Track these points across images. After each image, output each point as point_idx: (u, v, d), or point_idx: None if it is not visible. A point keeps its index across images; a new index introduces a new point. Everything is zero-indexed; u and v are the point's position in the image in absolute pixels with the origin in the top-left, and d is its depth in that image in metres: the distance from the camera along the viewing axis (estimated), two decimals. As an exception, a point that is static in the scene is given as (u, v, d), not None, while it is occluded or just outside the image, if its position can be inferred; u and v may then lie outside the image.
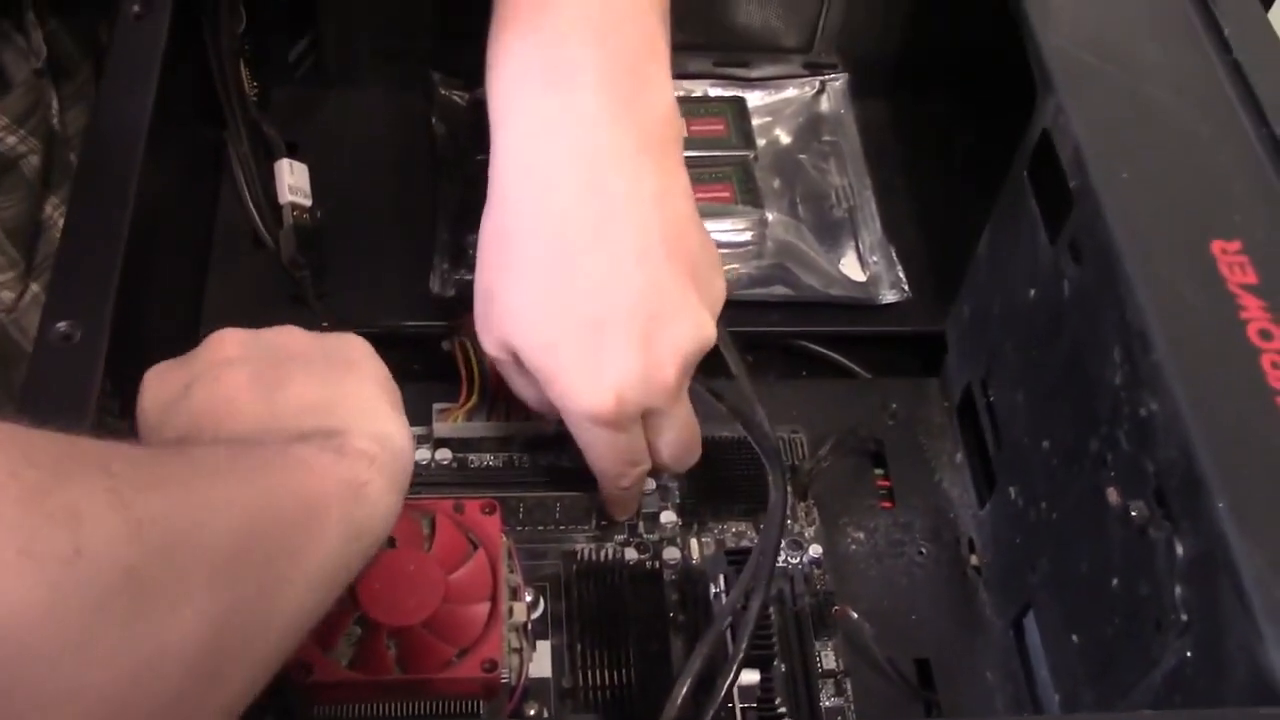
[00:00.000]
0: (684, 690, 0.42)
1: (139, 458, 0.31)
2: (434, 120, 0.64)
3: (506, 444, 0.53)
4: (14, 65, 0.57)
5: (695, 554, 0.51)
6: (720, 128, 0.65)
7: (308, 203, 0.59)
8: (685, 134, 0.63)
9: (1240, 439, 0.35)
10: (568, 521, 0.51)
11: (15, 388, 0.58)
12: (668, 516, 0.51)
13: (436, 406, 0.52)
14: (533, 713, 0.45)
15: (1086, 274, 0.42)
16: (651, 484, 0.51)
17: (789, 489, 0.49)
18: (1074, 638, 0.43)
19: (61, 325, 0.41)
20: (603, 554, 0.50)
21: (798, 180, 0.64)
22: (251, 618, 0.32)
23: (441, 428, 0.52)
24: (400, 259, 0.58)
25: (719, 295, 0.47)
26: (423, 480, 0.50)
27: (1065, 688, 0.44)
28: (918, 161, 0.65)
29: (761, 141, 0.65)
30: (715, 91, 0.67)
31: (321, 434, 0.38)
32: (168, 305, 0.53)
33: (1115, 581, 0.40)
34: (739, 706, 0.45)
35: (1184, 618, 0.35)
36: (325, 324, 0.54)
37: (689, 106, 0.65)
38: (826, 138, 0.66)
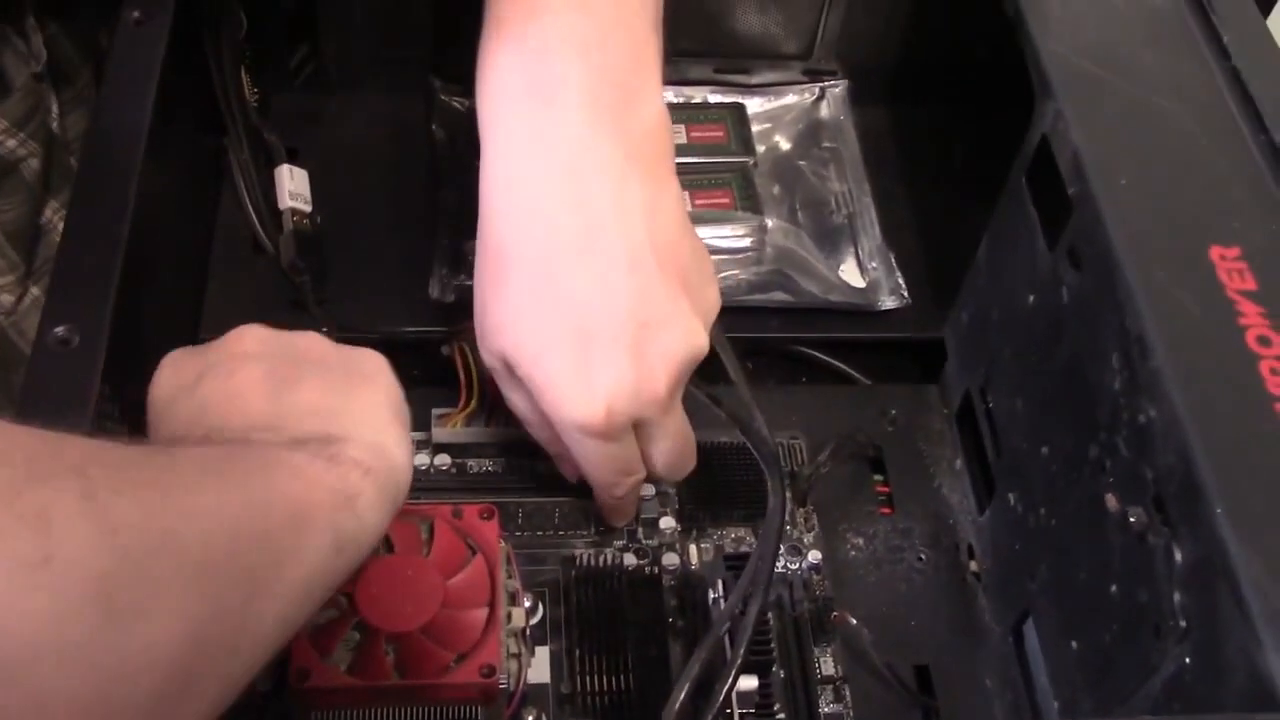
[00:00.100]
0: (682, 695, 0.42)
1: (119, 460, 0.30)
2: (433, 126, 0.64)
3: (505, 449, 0.53)
4: (14, 69, 0.57)
5: (694, 559, 0.51)
6: (720, 134, 0.65)
7: (308, 208, 0.59)
8: (685, 140, 0.64)
9: (1239, 445, 0.35)
10: (566, 527, 0.51)
11: (14, 391, 0.58)
12: (666, 522, 0.51)
13: (435, 412, 0.52)
14: (531, 718, 0.45)
15: (1085, 280, 0.42)
16: (650, 490, 0.51)
17: (788, 495, 0.49)
18: (1073, 644, 0.43)
19: (60, 329, 0.41)
20: (601, 559, 0.50)
21: (797, 186, 0.64)
22: (230, 627, 0.31)
23: (440, 433, 0.52)
24: (400, 264, 0.58)
25: (712, 304, 0.47)
26: (421, 485, 0.50)
27: (1064, 694, 0.44)
28: (917, 168, 0.65)
29: (761, 148, 0.65)
30: (715, 98, 0.67)
31: (319, 439, 0.38)
32: (167, 310, 0.53)
33: (1114, 588, 0.40)
34: (738, 712, 0.45)
35: (1183, 624, 0.35)
36: (325, 329, 0.54)
37: (689, 113, 0.65)
38: (826, 144, 0.66)
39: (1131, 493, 0.38)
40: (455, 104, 0.64)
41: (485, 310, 0.46)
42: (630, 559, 0.50)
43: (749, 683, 0.45)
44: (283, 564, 0.34)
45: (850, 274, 0.61)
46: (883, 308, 0.59)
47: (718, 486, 0.52)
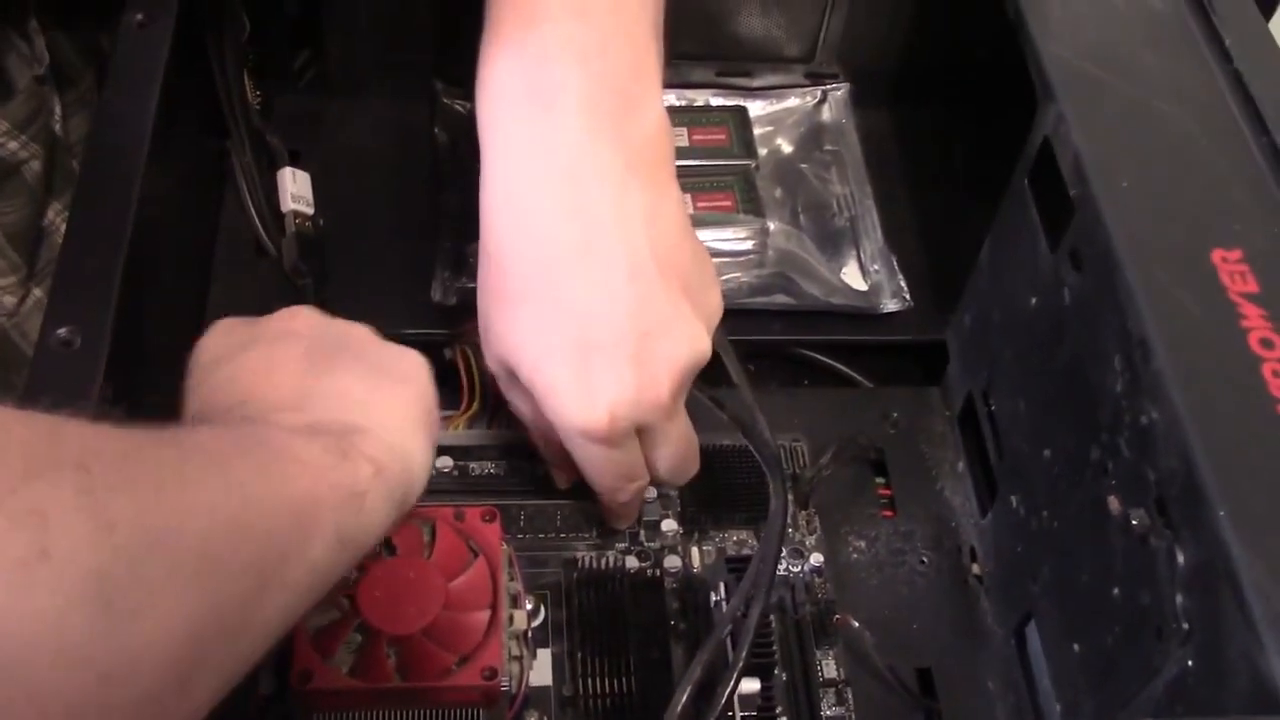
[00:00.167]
0: (684, 698, 0.42)
1: (119, 453, 0.30)
2: (436, 129, 0.64)
3: (507, 452, 0.53)
4: (16, 71, 0.57)
5: (696, 562, 0.51)
6: (722, 137, 0.65)
7: (310, 211, 0.60)
8: (687, 143, 0.64)
9: (1241, 448, 0.35)
10: (568, 529, 0.51)
11: (16, 392, 0.58)
12: (668, 524, 0.51)
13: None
14: (533, 720, 0.45)
15: (1087, 282, 0.42)
16: (652, 492, 0.51)
17: (790, 497, 0.49)
18: (1075, 647, 0.43)
19: (62, 331, 0.41)
20: (603, 562, 0.50)
21: (799, 189, 0.64)
22: (229, 624, 0.31)
23: (443, 435, 0.52)
24: (402, 267, 0.58)
25: (715, 309, 0.47)
26: (423, 487, 0.50)
27: (1066, 697, 0.44)
28: (919, 170, 0.65)
29: (763, 151, 0.65)
30: (717, 101, 0.67)
31: (339, 427, 0.38)
32: (170, 312, 0.53)
33: (1116, 590, 0.40)
34: (739, 715, 0.45)
35: (1185, 626, 0.35)
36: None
37: (691, 115, 0.65)
38: (828, 147, 0.66)
39: (1133, 495, 0.38)
40: (457, 107, 0.65)
41: (488, 317, 0.46)
42: (632, 561, 0.50)
43: (751, 685, 0.44)
44: (285, 562, 0.33)
45: (852, 277, 0.61)
46: (885, 310, 0.59)
47: (720, 489, 0.52)
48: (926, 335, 0.58)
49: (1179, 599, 0.36)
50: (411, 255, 0.59)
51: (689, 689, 0.42)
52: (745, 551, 0.51)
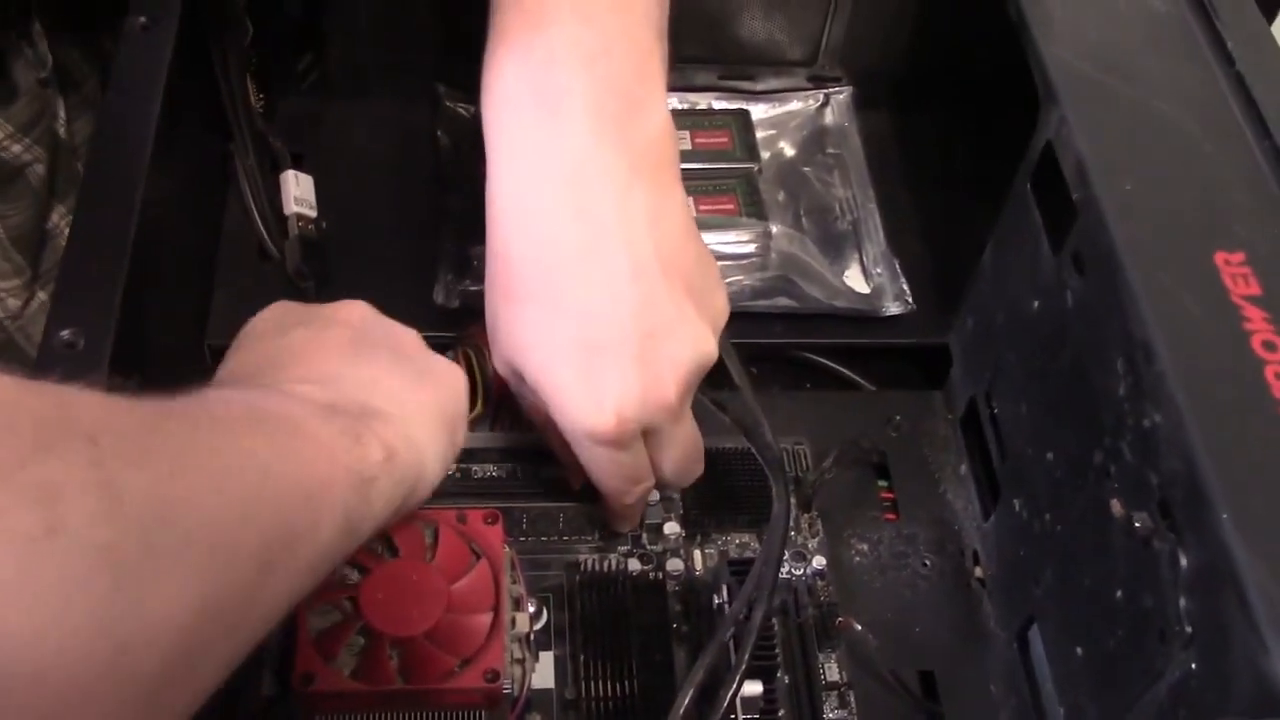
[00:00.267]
0: (687, 701, 0.42)
1: (132, 426, 0.30)
2: (438, 132, 0.64)
3: (510, 454, 0.53)
4: (20, 74, 0.57)
5: (698, 565, 0.51)
6: (725, 140, 0.65)
7: (313, 214, 0.60)
8: (690, 147, 0.64)
9: (1244, 450, 0.35)
10: (571, 532, 0.51)
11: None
12: (671, 527, 0.51)
13: (440, 417, 0.52)
14: (535, 723, 0.45)
15: (1090, 285, 0.42)
16: (655, 495, 0.51)
17: (792, 500, 0.49)
18: (1078, 650, 0.43)
19: (65, 333, 0.41)
20: (606, 565, 0.50)
21: (802, 192, 0.64)
22: (238, 601, 0.31)
23: (445, 438, 0.52)
24: (404, 270, 0.58)
25: (720, 310, 0.47)
26: (426, 490, 0.50)
27: (1069, 700, 0.44)
28: (921, 174, 0.65)
29: (766, 154, 0.65)
30: (720, 104, 0.67)
31: (357, 409, 0.39)
32: (172, 315, 0.53)
33: (1119, 593, 0.40)
34: (742, 718, 0.45)
35: (1188, 629, 0.35)
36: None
37: (694, 119, 0.65)
38: (830, 150, 0.66)
39: (1136, 498, 0.38)
40: (460, 110, 0.65)
41: (496, 318, 0.46)
42: (635, 564, 0.50)
43: (753, 688, 0.44)
44: (295, 540, 0.33)
45: (855, 280, 0.61)
46: (887, 313, 0.59)
47: (722, 492, 0.52)
48: (929, 338, 0.58)
49: (1182, 602, 0.36)
50: (414, 258, 0.59)
51: (691, 692, 0.42)
52: (748, 554, 0.51)
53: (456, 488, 0.51)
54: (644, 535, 0.51)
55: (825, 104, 0.68)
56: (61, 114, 0.60)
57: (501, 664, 0.43)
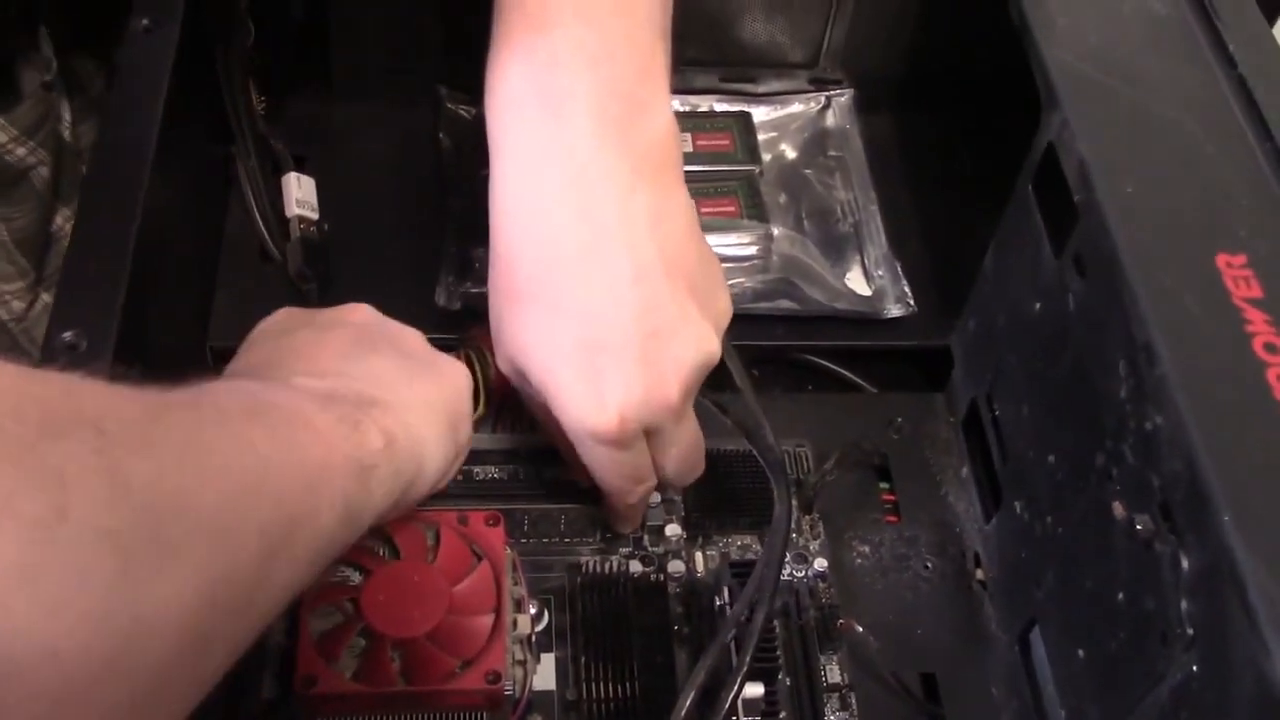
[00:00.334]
0: (688, 703, 0.42)
1: (137, 414, 0.30)
2: (440, 135, 0.64)
3: (511, 456, 0.53)
4: (24, 77, 0.57)
5: (700, 567, 0.51)
6: (726, 143, 0.65)
7: (315, 216, 0.60)
8: (691, 149, 0.64)
9: (1245, 452, 0.35)
10: (572, 534, 0.51)
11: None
12: (672, 529, 0.51)
13: (442, 419, 0.52)
14: (536, 725, 0.45)
15: (1091, 287, 0.42)
16: (657, 497, 0.51)
17: (794, 502, 0.49)
18: (1080, 652, 0.43)
19: (68, 334, 0.41)
20: (607, 566, 0.50)
21: (803, 195, 0.64)
22: (243, 588, 0.31)
23: (447, 440, 0.52)
24: (406, 272, 0.58)
25: (723, 311, 0.47)
26: (427, 492, 0.50)
27: (1071, 703, 0.44)
28: (923, 176, 0.65)
29: (767, 156, 0.65)
30: (721, 106, 0.67)
31: (355, 398, 0.39)
32: (175, 317, 0.54)
33: (1121, 595, 0.40)
34: (743, 720, 0.45)
35: (1190, 632, 0.35)
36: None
37: (695, 121, 0.65)
38: (832, 152, 0.66)
39: (1138, 500, 0.38)
40: (462, 112, 0.65)
41: (500, 319, 0.46)
42: (636, 566, 0.50)
43: (755, 690, 0.44)
44: (296, 527, 0.34)
45: (856, 282, 0.61)
46: (889, 316, 0.59)
47: (724, 494, 0.52)
48: (931, 341, 0.58)
49: (1184, 604, 0.36)
50: (416, 260, 0.59)
51: (693, 693, 0.42)
52: (749, 556, 0.51)
53: (458, 489, 0.51)
54: (645, 537, 0.51)
55: (827, 106, 0.68)
56: (66, 117, 0.60)
57: (503, 665, 0.43)
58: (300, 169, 0.60)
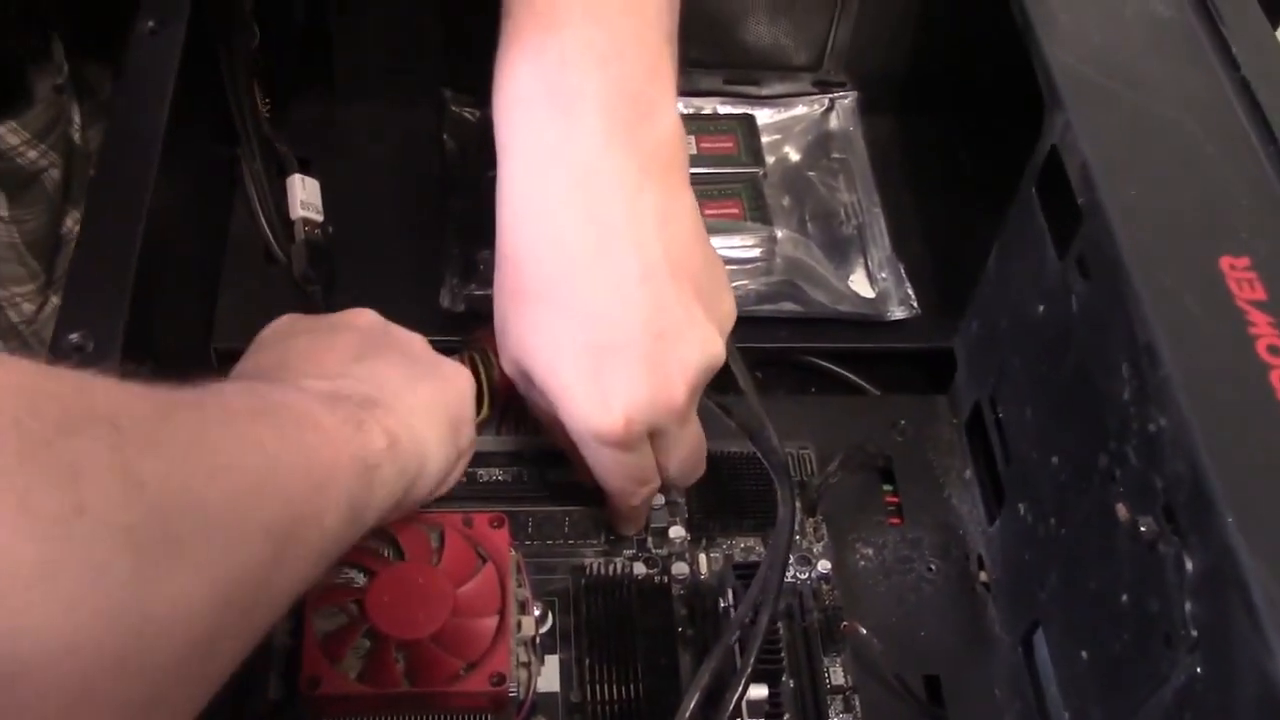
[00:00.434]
0: (692, 705, 0.42)
1: (147, 412, 0.30)
2: (445, 137, 0.64)
3: (516, 458, 0.53)
4: (36, 80, 0.57)
5: (704, 569, 0.51)
6: (730, 145, 0.65)
7: (319, 218, 0.60)
8: (695, 151, 0.64)
9: (1249, 454, 0.35)
10: (576, 536, 0.51)
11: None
12: (676, 531, 0.51)
13: (446, 421, 0.53)
14: (540, 727, 0.45)
15: (1095, 289, 0.43)
16: (660, 499, 0.51)
17: (797, 504, 0.49)
18: (1083, 654, 0.43)
19: (74, 336, 0.41)
20: (611, 569, 0.50)
21: (807, 197, 0.64)
22: (252, 586, 0.31)
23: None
24: (410, 274, 0.59)
25: (728, 313, 0.47)
26: (432, 494, 0.50)
27: (1074, 704, 0.44)
28: (926, 178, 0.66)
29: (771, 159, 0.65)
30: (725, 109, 0.67)
31: (359, 398, 0.39)
32: (180, 318, 0.54)
33: (1125, 597, 0.40)
34: (747, 721, 0.45)
35: (1194, 633, 0.35)
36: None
37: (699, 124, 0.65)
38: (835, 155, 0.66)
39: (1142, 502, 0.38)
40: (466, 114, 0.65)
41: (505, 319, 0.46)
42: (640, 568, 0.50)
43: (759, 692, 0.45)
44: (302, 526, 0.34)
45: (860, 284, 0.61)
46: (892, 318, 0.59)
47: (727, 496, 0.52)
48: (934, 343, 0.58)
49: (1187, 606, 0.36)
50: (420, 262, 0.59)
51: (697, 695, 0.42)
52: (753, 558, 0.51)
53: (462, 491, 0.51)
54: (649, 539, 0.51)
55: (830, 109, 0.68)
56: (76, 120, 0.60)
57: (507, 667, 0.43)
58: (305, 171, 0.60)
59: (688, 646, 0.48)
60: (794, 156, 0.66)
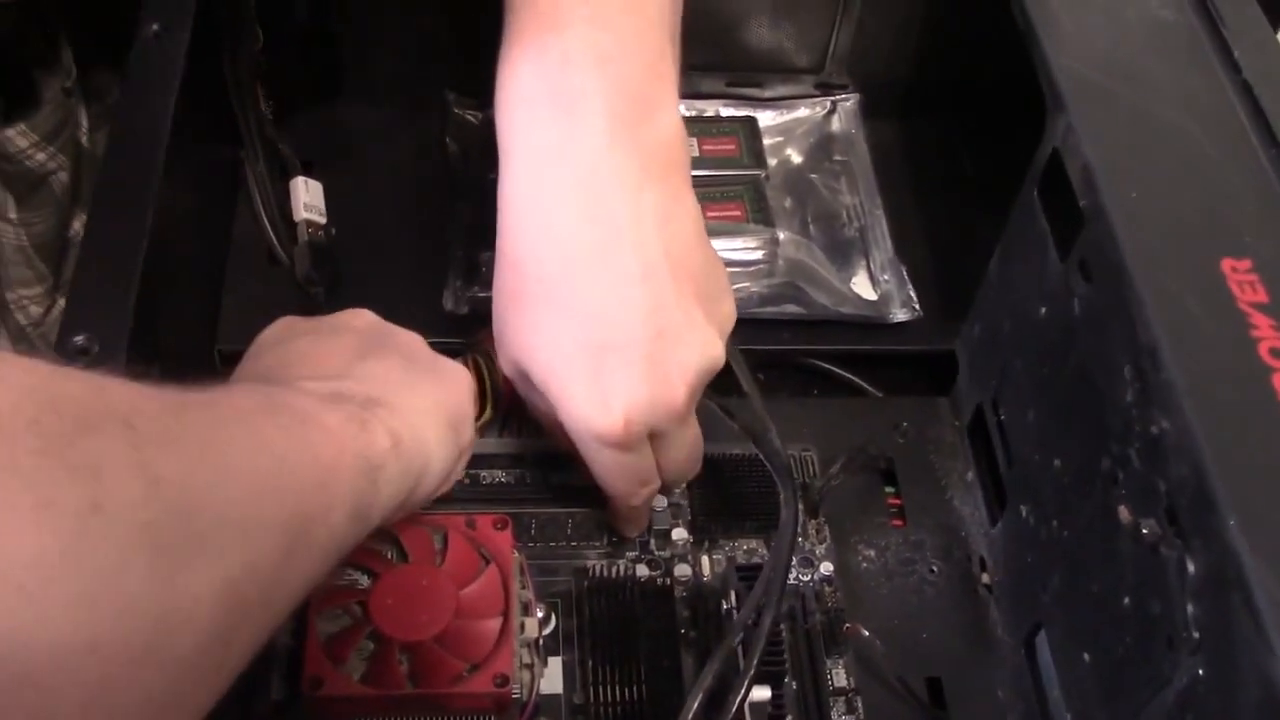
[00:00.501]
0: (695, 706, 0.42)
1: (160, 411, 0.30)
2: (447, 139, 0.64)
3: (519, 460, 0.53)
4: (45, 83, 0.57)
5: (706, 571, 0.51)
6: (732, 147, 0.65)
7: (322, 220, 0.60)
8: (697, 153, 0.64)
9: (1251, 457, 0.35)
10: (579, 538, 0.51)
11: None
12: (679, 533, 0.51)
13: (449, 422, 0.53)
14: (543, 728, 0.45)
15: (1097, 292, 0.43)
16: (663, 501, 0.51)
17: (800, 506, 0.49)
18: (1086, 656, 0.43)
19: (79, 338, 0.41)
20: (614, 570, 0.50)
21: (809, 199, 0.64)
22: (264, 583, 0.32)
23: (454, 444, 0.52)
24: (414, 276, 0.59)
25: (728, 315, 0.47)
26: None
27: (1077, 707, 0.44)
28: (928, 181, 0.66)
29: (773, 161, 0.65)
30: (727, 111, 0.67)
31: (362, 398, 0.39)
32: (184, 320, 0.54)
33: (1127, 600, 0.40)
34: (750, 723, 0.45)
35: (1196, 636, 0.35)
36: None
37: (701, 126, 0.65)
38: (837, 157, 0.66)
39: (1144, 504, 0.39)
40: (469, 117, 0.65)
41: (504, 320, 0.46)
42: (643, 570, 0.50)
43: (761, 694, 0.45)
44: (311, 524, 0.34)
45: (862, 286, 0.61)
46: (894, 320, 0.59)
47: (730, 498, 0.52)
48: (936, 345, 0.58)
49: (1190, 608, 0.36)
50: (423, 264, 0.59)
51: (700, 697, 0.42)
52: (755, 560, 0.51)
53: (466, 493, 0.52)
54: (652, 541, 0.51)
55: (832, 111, 0.68)
56: (84, 123, 0.60)
57: (510, 669, 0.43)
58: (308, 173, 0.61)
59: (690, 648, 0.48)
60: (796, 159, 0.66)
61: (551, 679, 0.47)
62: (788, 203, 0.64)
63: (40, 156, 0.58)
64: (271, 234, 0.59)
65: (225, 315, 0.57)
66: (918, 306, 0.60)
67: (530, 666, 0.45)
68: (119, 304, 0.43)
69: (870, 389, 0.59)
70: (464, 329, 0.55)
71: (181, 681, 0.29)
